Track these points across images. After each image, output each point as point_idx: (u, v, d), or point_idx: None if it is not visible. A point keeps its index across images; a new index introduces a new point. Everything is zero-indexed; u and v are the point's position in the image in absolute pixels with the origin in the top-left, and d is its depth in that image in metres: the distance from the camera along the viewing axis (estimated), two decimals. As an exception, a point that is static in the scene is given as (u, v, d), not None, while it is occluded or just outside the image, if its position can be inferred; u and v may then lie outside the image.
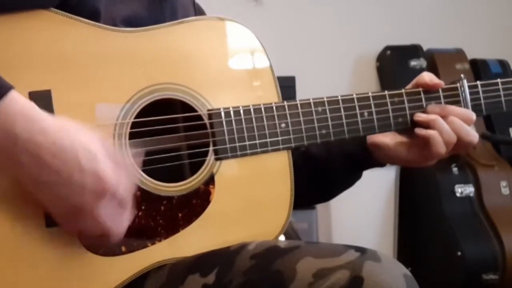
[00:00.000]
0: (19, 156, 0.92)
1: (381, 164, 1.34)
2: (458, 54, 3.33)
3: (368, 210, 3.23)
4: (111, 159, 0.97)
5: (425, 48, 3.35)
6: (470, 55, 3.36)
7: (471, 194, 3.09)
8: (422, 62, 3.29)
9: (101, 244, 1.04)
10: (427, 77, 1.29)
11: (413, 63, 3.29)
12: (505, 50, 3.50)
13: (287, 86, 2.93)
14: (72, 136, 0.94)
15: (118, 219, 0.99)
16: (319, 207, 2.97)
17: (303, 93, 2.90)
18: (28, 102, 0.94)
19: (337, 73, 3.33)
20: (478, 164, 3.13)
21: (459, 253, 2.95)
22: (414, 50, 3.33)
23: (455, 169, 3.11)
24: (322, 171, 1.36)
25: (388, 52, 3.35)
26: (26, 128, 0.92)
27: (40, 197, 0.97)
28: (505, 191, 3.10)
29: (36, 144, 0.92)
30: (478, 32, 3.53)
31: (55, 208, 0.98)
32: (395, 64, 3.33)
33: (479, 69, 3.36)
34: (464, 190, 3.08)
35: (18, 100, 0.93)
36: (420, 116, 1.26)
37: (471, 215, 3.06)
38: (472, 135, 1.26)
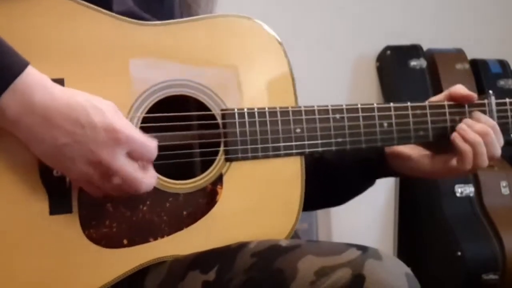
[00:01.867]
0: (35, 125, 0.97)
1: (396, 174, 1.32)
2: (458, 54, 3.33)
3: (368, 210, 3.23)
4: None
5: (425, 48, 3.34)
6: (470, 55, 3.36)
7: (471, 194, 3.08)
8: (422, 62, 3.28)
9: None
10: (462, 90, 1.27)
11: (413, 63, 3.28)
12: (505, 50, 3.50)
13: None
14: (82, 97, 0.99)
15: (143, 170, 1.02)
16: (319, 207, 2.96)
17: (303, 93, 2.89)
18: (43, 75, 0.99)
19: (337, 73, 3.32)
20: (478, 164, 3.13)
21: (459, 253, 2.94)
22: (414, 50, 3.32)
23: (455, 169, 3.10)
24: (335, 176, 1.35)
25: (388, 52, 3.34)
26: (44, 96, 0.97)
27: (60, 166, 1.00)
28: (505, 191, 3.10)
29: (50, 109, 0.97)
30: (478, 32, 3.53)
31: (78, 174, 1.00)
32: (395, 64, 3.32)
33: (479, 69, 3.36)
34: (464, 190, 3.08)
35: (35, 73, 0.98)
36: (465, 131, 1.23)
37: (471, 215, 3.05)
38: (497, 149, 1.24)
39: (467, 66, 3.31)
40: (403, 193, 3.24)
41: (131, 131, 1.00)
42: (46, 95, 0.97)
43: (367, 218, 3.28)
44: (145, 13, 1.16)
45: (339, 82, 3.32)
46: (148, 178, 1.02)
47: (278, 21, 3.16)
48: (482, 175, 3.10)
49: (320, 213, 3.09)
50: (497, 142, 1.24)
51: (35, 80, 0.97)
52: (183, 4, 1.30)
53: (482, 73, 3.35)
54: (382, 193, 3.27)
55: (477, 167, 1.23)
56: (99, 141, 0.97)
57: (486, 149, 1.22)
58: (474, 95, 1.27)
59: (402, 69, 3.27)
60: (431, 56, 3.30)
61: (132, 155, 1.01)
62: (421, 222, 3.18)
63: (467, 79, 3.26)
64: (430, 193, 3.12)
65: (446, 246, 3.02)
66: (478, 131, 1.23)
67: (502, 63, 3.42)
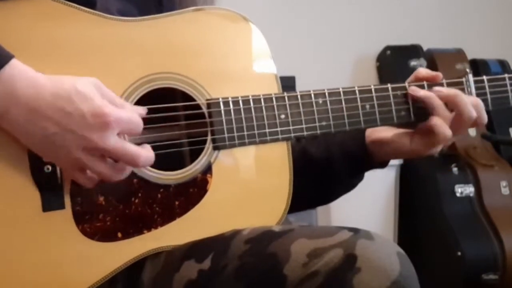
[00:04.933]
0: (22, 117, 0.97)
1: (382, 165, 1.33)
2: (458, 54, 3.33)
3: (368, 210, 3.23)
4: (107, 99, 1.00)
5: (425, 48, 3.35)
6: (470, 55, 3.36)
7: (471, 194, 3.08)
8: (422, 62, 3.29)
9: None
10: (424, 71, 1.29)
11: (413, 63, 3.29)
12: (505, 50, 3.50)
13: (287, 86, 2.91)
14: (66, 84, 0.99)
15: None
16: (319, 207, 2.96)
17: (303, 92, 2.89)
18: (27, 67, 0.99)
19: (337, 73, 3.33)
20: (478, 164, 3.13)
21: (459, 253, 2.94)
22: (414, 50, 3.33)
23: (455, 169, 3.10)
24: (323, 174, 1.35)
25: (388, 52, 3.35)
26: (27, 85, 0.97)
27: (52, 155, 1.01)
28: (505, 191, 3.10)
29: (35, 99, 0.97)
30: (478, 32, 3.54)
31: (71, 161, 1.00)
32: (395, 64, 3.33)
33: (479, 69, 3.36)
34: (464, 190, 3.07)
35: (18, 65, 0.98)
36: (416, 91, 1.25)
37: (471, 215, 3.05)
38: (469, 109, 1.24)
39: (467, 66, 3.31)
40: (403, 193, 3.24)
41: (118, 111, 0.99)
42: (30, 85, 0.97)
43: (367, 218, 3.28)
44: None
45: (339, 82, 3.30)
46: (145, 152, 1.02)
47: (278, 21, 3.18)
48: (482, 175, 3.10)
49: (320, 213, 3.09)
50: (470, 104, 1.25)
51: (18, 71, 0.97)
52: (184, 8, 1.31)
53: (482, 73, 3.33)
54: (382, 193, 3.27)
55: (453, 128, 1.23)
56: (89, 127, 0.97)
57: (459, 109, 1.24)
58: (432, 73, 1.29)
59: (402, 69, 3.28)
60: (431, 56, 3.31)
61: (122, 134, 1.01)
62: (421, 222, 3.18)
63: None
64: (430, 193, 3.12)
65: (446, 246, 3.02)
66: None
67: (502, 63, 3.43)
